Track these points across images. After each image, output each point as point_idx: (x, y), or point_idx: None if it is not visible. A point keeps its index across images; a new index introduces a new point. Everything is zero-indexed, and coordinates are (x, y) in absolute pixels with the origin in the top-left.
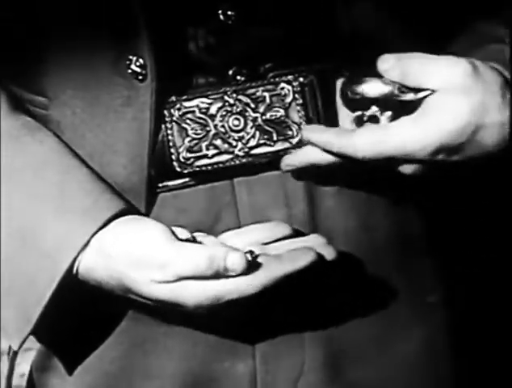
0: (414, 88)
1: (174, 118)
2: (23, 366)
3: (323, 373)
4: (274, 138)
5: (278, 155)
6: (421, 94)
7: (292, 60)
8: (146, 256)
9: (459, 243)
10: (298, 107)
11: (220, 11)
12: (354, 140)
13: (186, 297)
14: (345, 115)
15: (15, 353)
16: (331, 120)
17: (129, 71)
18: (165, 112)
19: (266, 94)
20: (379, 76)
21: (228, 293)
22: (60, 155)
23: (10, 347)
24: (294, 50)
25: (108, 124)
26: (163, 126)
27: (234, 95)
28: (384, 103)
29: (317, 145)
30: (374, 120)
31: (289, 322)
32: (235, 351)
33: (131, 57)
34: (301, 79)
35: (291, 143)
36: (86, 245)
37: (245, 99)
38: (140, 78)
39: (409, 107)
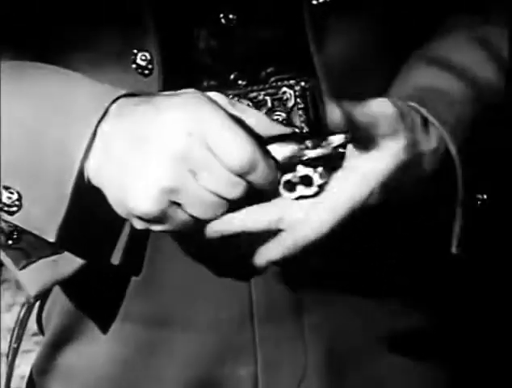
0: (324, 138)
1: None
2: (23, 368)
3: (326, 376)
4: None
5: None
6: (335, 142)
7: (294, 64)
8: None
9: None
10: (300, 112)
11: (221, 15)
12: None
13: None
14: None
15: (30, 305)
16: None
17: (134, 66)
18: None
19: (268, 99)
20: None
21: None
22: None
23: (9, 348)
24: (296, 54)
25: None
26: None
27: (235, 99)
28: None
29: None
30: (306, 180)
31: (290, 325)
32: (237, 356)
33: (135, 52)
34: (303, 83)
35: None
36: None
37: (246, 103)
38: (146, 72)
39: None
